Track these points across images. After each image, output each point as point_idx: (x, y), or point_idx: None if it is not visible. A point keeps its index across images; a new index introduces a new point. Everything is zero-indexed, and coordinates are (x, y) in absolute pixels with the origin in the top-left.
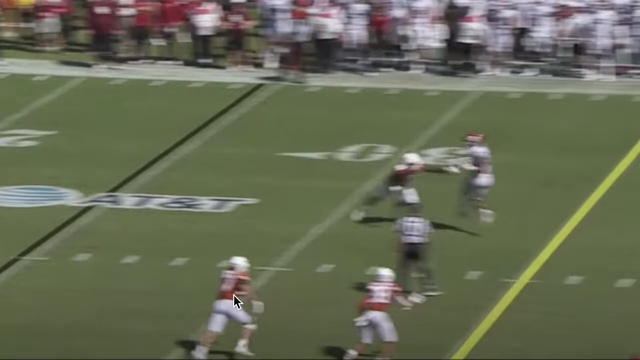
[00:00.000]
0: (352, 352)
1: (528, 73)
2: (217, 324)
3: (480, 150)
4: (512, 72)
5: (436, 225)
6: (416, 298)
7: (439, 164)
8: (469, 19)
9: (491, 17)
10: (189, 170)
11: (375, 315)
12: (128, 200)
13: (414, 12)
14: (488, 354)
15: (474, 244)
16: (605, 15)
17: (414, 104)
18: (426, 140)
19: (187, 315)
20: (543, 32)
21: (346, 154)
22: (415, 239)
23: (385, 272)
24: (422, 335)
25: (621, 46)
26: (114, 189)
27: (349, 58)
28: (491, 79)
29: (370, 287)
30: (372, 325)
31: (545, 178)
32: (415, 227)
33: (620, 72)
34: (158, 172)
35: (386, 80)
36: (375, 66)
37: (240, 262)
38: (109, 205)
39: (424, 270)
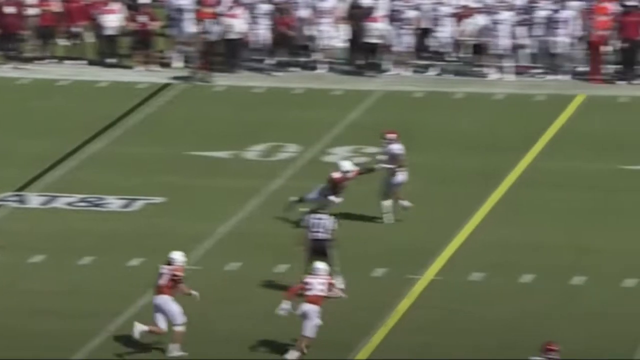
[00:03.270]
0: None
1: (431, 73)
2: (159, 320)
3: (396, 148)
4: (416, 71)
5: (344, 223)
6: (340, 284)
7: (366, 162)
8: (373, 19)
9: (394, 17)
10: (96, 169)
11: (310, 308)
12: (35, 199)
13: (319, 12)
14: (393, 351)
15: (380, 242)
16: (505, 15)
17: (319, 103)
18: (331, 139)
19: (94, 315)
20: (445, 32)
21: (252, 153)
22: (321, 236)
23: (322, 265)
24: (329, 333)
25: (521, 46)
26: (21, 189)
27: (255, 58)
28: (395, 79)
29: (307, 279)
30: (303, 316)
31: (448, 176)
32: (322, 224)
33: (520, 71)
34: (65, 171)
35: (292, 80)
36: (281, 66)
37: (178, 257)
38: (16, 204)
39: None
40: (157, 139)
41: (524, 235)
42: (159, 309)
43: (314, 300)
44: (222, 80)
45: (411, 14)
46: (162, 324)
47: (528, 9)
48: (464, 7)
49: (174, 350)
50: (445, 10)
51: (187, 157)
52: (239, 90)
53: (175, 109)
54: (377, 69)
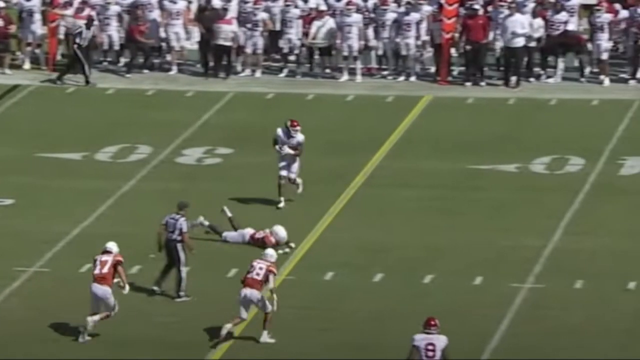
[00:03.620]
0: (228, 326)
1: (282, 74)
2: (96, 308)
3: (301, 137)
4: (266, 73)
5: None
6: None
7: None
8: (224, 21)
9: (246, 19)
10: None
11: (249, 292)
12: None
13: (171, 14)
14: (247, 351)
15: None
16: (354, 18)
17: (171, 104)
18: (184, 140)
19: None
20: (295, 34)
21: (104, 154)
22: (172, 236)
23: (269, 251)
24: (183, 334)
25: (370, 48)
26: None
27: (106, 59)
28: (247, 80)
29: (253, 263)
30: (246, 301)
31: (300, 176)
32: (176, 225)
33: (369, 73)
34: None
35: (144, 81)
36: (133, 67)
37: (113, 246)
38: None
39: (178, 270)
40: (7, 141)
41: (374, 235)
42: (96, 297)
43: (251, 284)
44: (73, 82)
45: (261, 15)
46: (95, 309)
47: (381, 12)
48: (314, 9)
49: (91, 322)
50: (295, 12)
51: (38, 158)
52: (91, 91)
53: (25, 110)
54: (228, 70)
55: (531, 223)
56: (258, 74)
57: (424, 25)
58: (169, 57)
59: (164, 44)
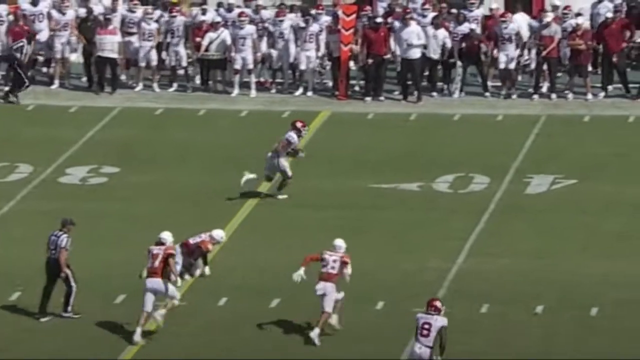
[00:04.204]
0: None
1: (171, 89)
2: (148, 303)
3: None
4: (147, 87)
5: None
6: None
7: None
8: (107, 31)
9: (129, 30)
10: None
11: (325, 286)
12: None
13: (58, 25)
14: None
15: (118, 266)
16: (247, 29)
17: (53, 120)
18: (67, 158)
19: None
20: (182, 49)
21: None
22: (55, 254)
23: (339, 242)
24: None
25: (263, 61)
26: None
27: None
28: (134, 95)
29: (324, 256)
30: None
31: (191, 195)
32: (57, 242)
33: (264, 87)
34: None
35: (25, 96)
36: (16, 81)
37: (167, 236)
38: None
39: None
40: None
41: (271, 257)
42: (151, 291)
43: (327, 277)
44: None
45: (151, 27)
46: (148, 306)
47: (277, 22)
48: (203, 22)
49: (158, 315)
50: (180, 20)
51: None
52: None
53: None
54: (114, 84)
55: (435, 244)
56: (156, 88)
57: (323, 37)
58: (51, 71)
59: (47, 57)
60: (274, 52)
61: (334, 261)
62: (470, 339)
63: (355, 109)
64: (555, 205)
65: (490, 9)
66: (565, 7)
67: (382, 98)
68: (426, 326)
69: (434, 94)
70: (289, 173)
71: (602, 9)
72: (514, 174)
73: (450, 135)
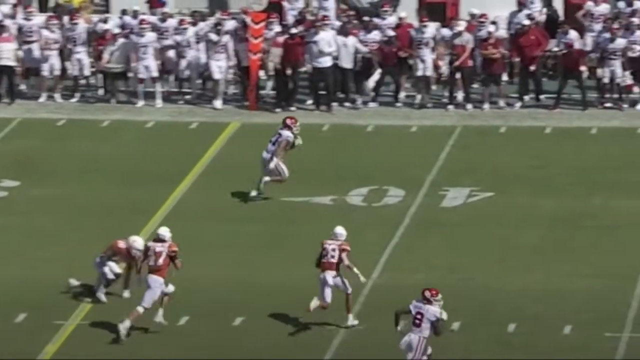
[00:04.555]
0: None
1: (74, 99)
2: (148, 300)
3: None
4: (50, 97)
5: None
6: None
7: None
8: (3, 39)
9: (29, 39)
10: None
11: (327, 275)
12: None
13: None
14: None
15: (26, 284)
16: (148, 37)
17: None
18: None
19: None
20: (84, 57)
21: None
22: None
23: (339, 230)
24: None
25: (170, 71)
26: None
27: None
28: (35, 105)
29: (325, 245)
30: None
31: (93, 209)
32: None
33: (168, 97)
34: None
35: None
36: None
37: (165, 232)
38: None
39: None
40: None
41: (179, 273)
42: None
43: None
44: None
45: (53, 36)
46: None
47: (178, 31)
48: (106, 31)
49: (160, 316)
50: (82, 27)
51: None
52: None
53: None
54: (12, 94)
55: (349, 259)
56: (58, 98)
57: (231, 45)
58: None
59: None
60: (183, 62)
61: (333, 250)
62: (386, 356)
63: (266, 119)
64: (471, 218)
65: (400, 18)
66: (482, 16)
67: (293, 108)
68: (418, 316)
69: (347, 103)
70: (286, 173)
71: (521, 17)
72: (429, 187)
73: (363, 147)
